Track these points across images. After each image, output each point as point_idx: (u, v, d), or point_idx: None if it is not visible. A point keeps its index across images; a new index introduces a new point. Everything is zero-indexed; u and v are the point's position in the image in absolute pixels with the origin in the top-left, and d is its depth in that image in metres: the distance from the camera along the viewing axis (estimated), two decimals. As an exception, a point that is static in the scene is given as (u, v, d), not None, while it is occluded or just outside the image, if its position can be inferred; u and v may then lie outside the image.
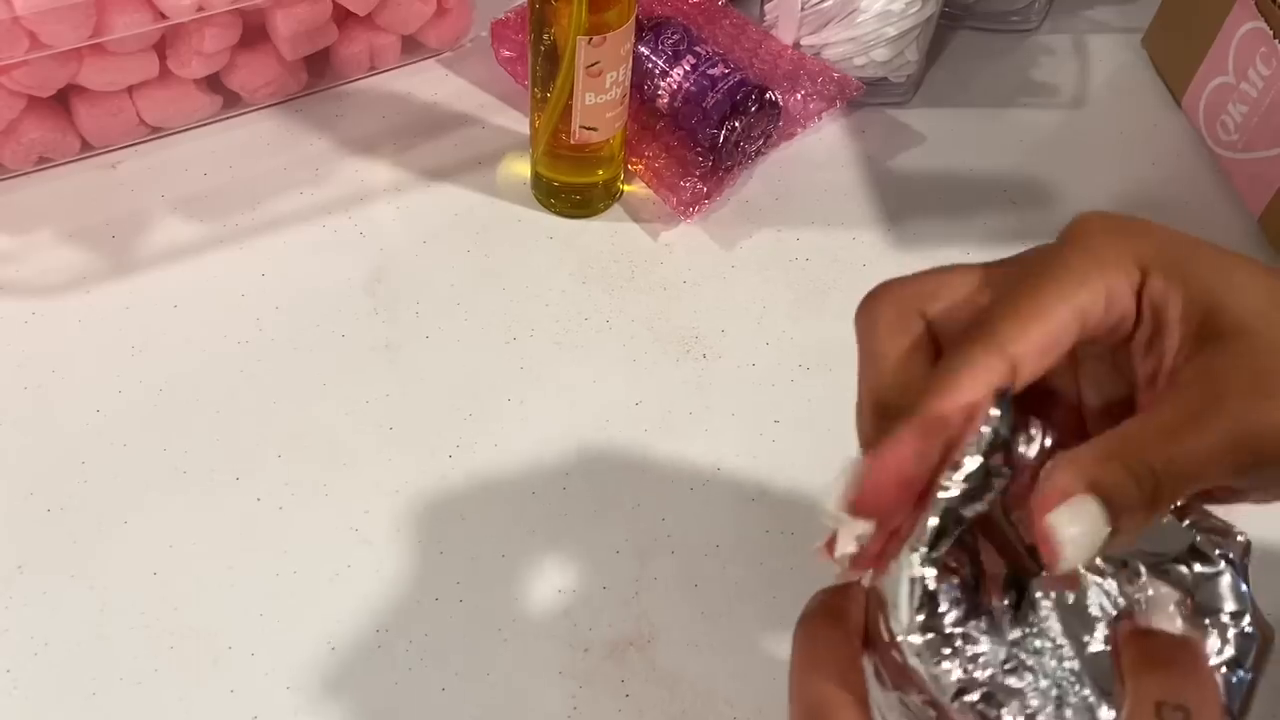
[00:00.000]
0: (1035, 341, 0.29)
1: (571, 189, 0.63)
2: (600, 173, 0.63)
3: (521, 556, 0.52)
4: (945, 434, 0.28)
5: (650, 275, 0.62)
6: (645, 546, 0.52)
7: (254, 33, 0.64)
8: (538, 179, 0.64)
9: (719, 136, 0.63)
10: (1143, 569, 0.30)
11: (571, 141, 0.60)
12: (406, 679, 0.48)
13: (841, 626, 0.30)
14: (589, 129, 0.60)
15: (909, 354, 0.31)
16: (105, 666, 0.48)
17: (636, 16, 0.58)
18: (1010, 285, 0.30)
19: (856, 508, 0.28)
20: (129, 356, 0.57)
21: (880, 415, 0.31)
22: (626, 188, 0.65)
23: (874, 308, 0.31)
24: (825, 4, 0.67)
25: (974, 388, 0.28)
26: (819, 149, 0.69)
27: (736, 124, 0.63)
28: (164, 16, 0.59)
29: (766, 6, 0.70)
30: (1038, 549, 0.28)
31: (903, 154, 0.69)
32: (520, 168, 0.66)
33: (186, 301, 0.60)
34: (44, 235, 0.62)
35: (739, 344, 0.59)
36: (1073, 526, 0.27)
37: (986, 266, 0.32)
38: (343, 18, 0.66)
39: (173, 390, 0.56)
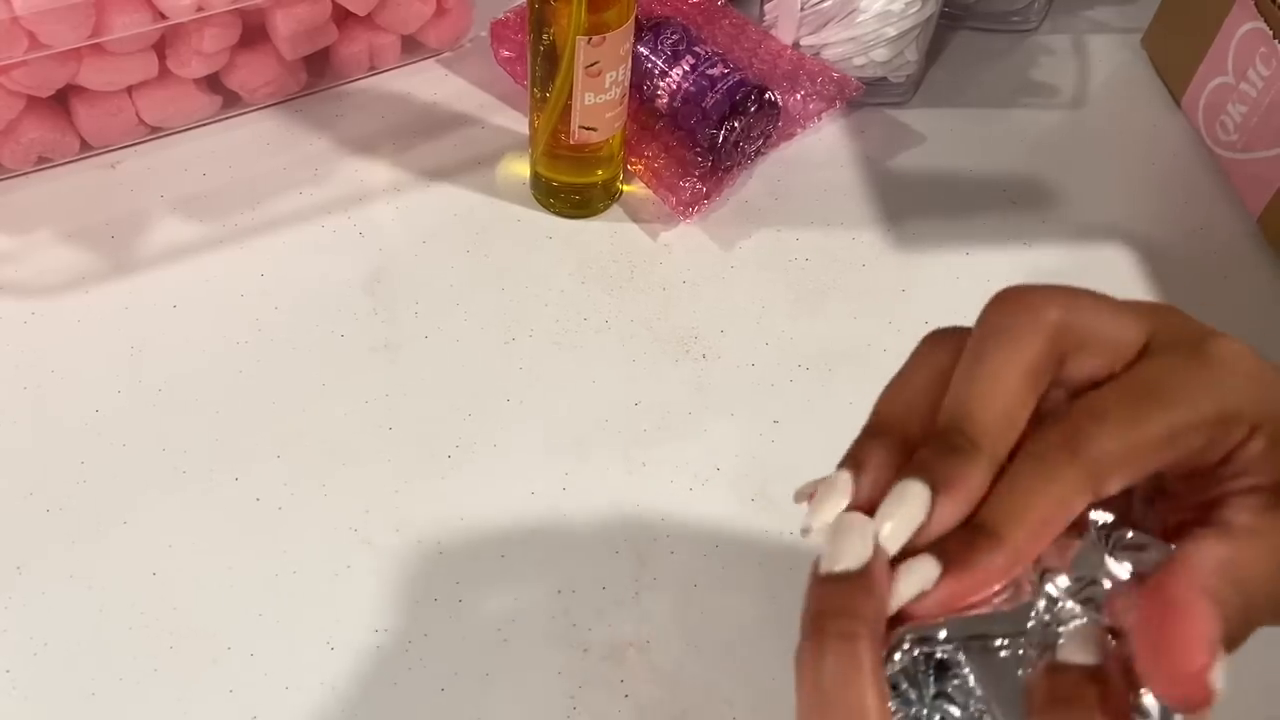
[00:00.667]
0: (1148, 459, 0.28)
1: (571, 189, 0.63)
2: (599, 173, 0.63)
3: (521, 556, 0.52)
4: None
5: (650, 275, 0.62)
6: (645, 546, 0.52)
7: (254, 32, 0.64)
8: (537, 179, 0.64)
9: (718, 136, 0.63)
10: (1067, 599, 0.29)
11: (571, 141, 0.60)
12: (406, 679, 0.48)
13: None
14: (588, 129, 0.60)
15: (1020, 397, 0.29)
16: (105, 666, 0.48)
17: (636, 16, 0.58)
18: (1153, 389, 0.28)
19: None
20: (129, 356, 0.57)
21: (967, 416, 0.29)
22: (626, 188, 0.65)
23: (1024, 323, 0.29)
24: (825, 4, 0.67)
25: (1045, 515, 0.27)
26: (818, 149, 0.69)
27: (736, 124, 0.63)
28: (163, 16, 0.59)
29: (766, 6, 0.70)
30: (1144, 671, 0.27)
31: (902, 154, 0.69)
32: (520, 168, 0.66)
33: (186, 301, 0.60)
34: (43, 235, 0.62)
35: (738, 344, 0.59)
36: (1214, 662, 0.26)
37: (1139, 323, 0.29)
38: (342, 18, 0.66)
39: (172, 390, 0.56)
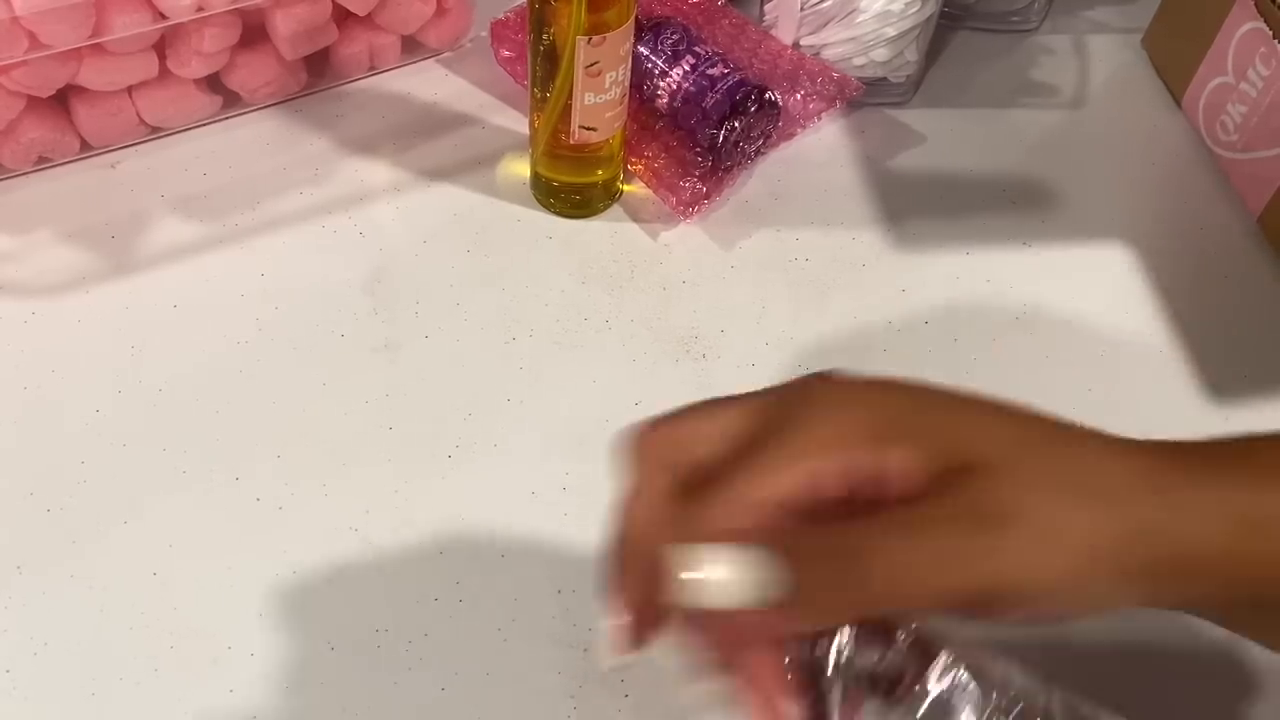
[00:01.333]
0: (767, 496, 0.32)
1: (571, 189, 0.63)
2: (600, 173, 0.63)
3: (521, 556, 0.52)
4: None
5: (650, 275, 0.62)
6: (645, 546, 0.52)
7: (254, 33, 0.64)
8: (537, 179, 0.64)
9: (718, 136, 0.63)
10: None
11: (571, 141, 0.60)
12: (406, 679, 0.48)
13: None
14: (588, 129, 0.60)
15: (659, 499, 0.34)
16: (105, 666, 0.48)
17: (636, 16, 0.58)
18: (753, 444, 0.33)
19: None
20: (129, 356, 0.57)
21: (629, 554, 0.35)
22: (626, 188, 0.65)
23: (636, 452, 0.36)
24: (825, 4, 0.67)
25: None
26: (819, 149, 0.69)
27: (736, 124, 0.63)
28: (164, 16, 0.59)
29: (766, 6, 0.70)
30: None
31: (902, 154, 0.69)
32: (520, 168, 0.66)
33: (186, 301, 0.60)
34: (44, 235, 0.62)
35: (738, 344, 0.59)
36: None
37: (741, 408, 0.35)
38: (343, 18, 0.66)
39: (172, 390, 0.56)
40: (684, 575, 0.30)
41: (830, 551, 0.31)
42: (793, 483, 0.32)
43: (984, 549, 0.30)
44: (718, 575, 0.30)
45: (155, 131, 0.66)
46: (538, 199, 0.65)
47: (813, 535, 0.31)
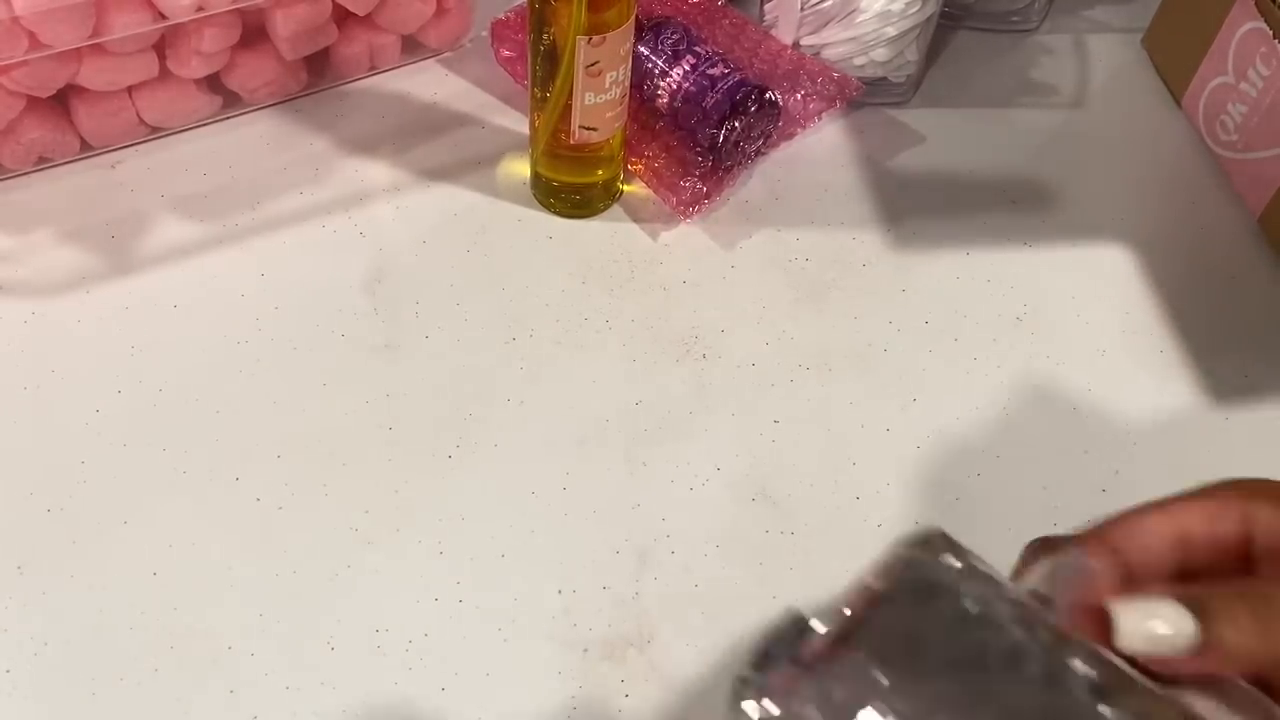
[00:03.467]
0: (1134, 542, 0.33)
1: (571, 189, 0.63)
2: (600, 173, 0.63)
3: (521, 556, 0.52)
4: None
5: (650, 275, 0.62)
6: (645, 546, 0.52)
7: (253, 33, 0.64)
8: (537, 179, 0.64)
9: (719, 136, 0.63)
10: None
11: (571, 141, 0.60)
12: (406, 679, 0.48)
13: None
14: (589, 129, 0.60)
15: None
16: (105, 666, 0.48)
17: (636, 16, 0.58)
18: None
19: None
20: (129, 356, 0.57)
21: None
22: (626, 188, 0.65)
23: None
24: (825, 4, 0.67)
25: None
26: (819, 149, 0.69)
27: (736, 124, 0.63)
28: (164, 16, 0.59)
29: (766, 6, 0.70)
30: None
31: (903, 154, 0.69)
32: (520, 168, 0.66)
33: (186, 301, 0.60)
34: (44, 235, 0.62)
35: (739, 344, 0.59)
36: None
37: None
38: (343, 18, 0.66)
39: (172, 390, 0.56)
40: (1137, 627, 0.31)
41: (1244, 600, 0.31)
42: (1158, 535, 0.33)
43: None
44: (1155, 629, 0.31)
45: (155, 131, 0.66)
46: (538, 199, 0.65)
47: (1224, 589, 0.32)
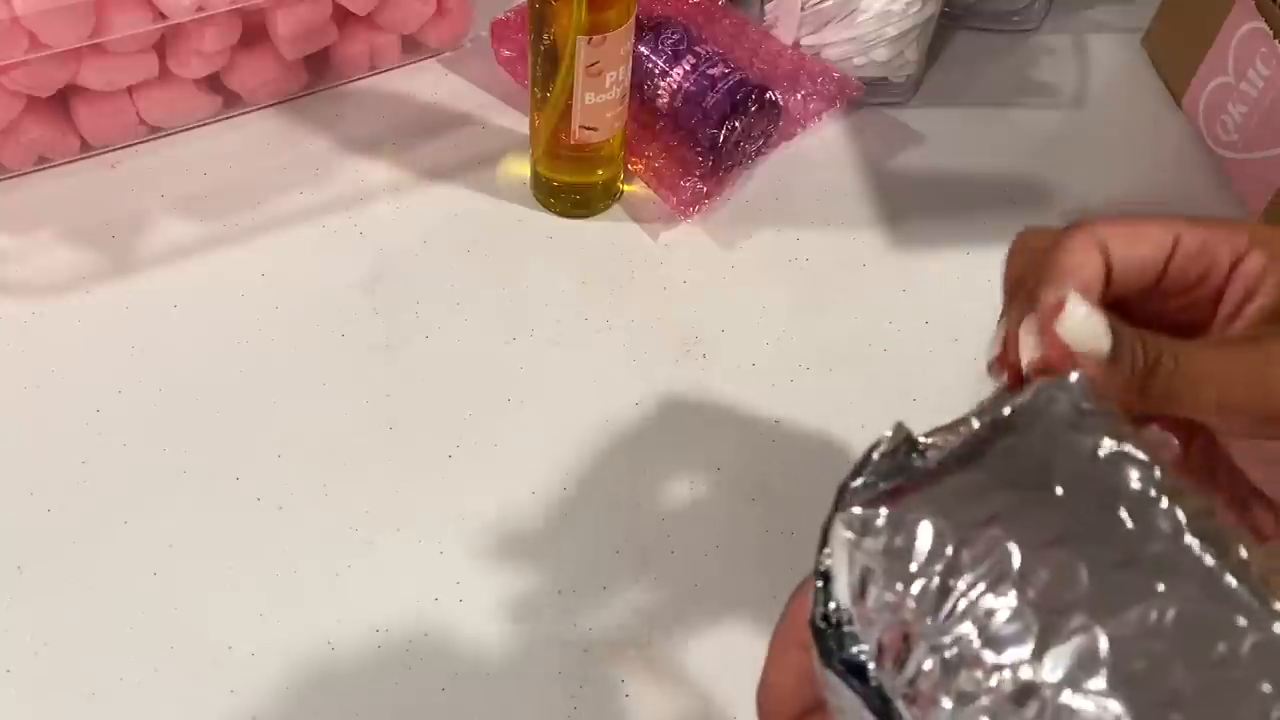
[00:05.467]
0: (1123, 234, 0.36)
1: (571, 189, 0.63)
2: (600, 173, 0.63)
3: (521, 556, 0.52)
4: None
5: (650, 275, 0.62)
6: (645, 546, 0.52)
7: (254, 33, 0.64)
8: (537, 179, 0.64)
9: (719, 136, 0.63)
10: None
11: (571, 141, 0.60)
12: (406, 679, 0.48)
13: None
14: (589, 129, 0.60)
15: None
16: (105, 666, 0.48)
17: (636, 16, 0.58)
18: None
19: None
20: (129, 356, 0.57)
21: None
22: (626, 188, 0.65)
23: (1073, 235, 0.37)
24: (825, 4, 0.67)
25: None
26: (819, 149, 0.69)
27: (736, 124, 0.63)
28: (164, 16, 0.59)
29: (766, 6, 0.70)
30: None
31: (902, 154, 0.69)
32: (520, 168, 0.66)
33: (186, 301, 0.60)
34: (44, 235, 0.62)
35: (739, 344, 0.59)
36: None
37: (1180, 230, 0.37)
38: (343, 18, 0.66)
39: (173, 390, 0.56)
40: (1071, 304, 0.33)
41: (1151, 341, 0.32)
42: (1153, 239, 0.36)
43: None
44: (1079, 314, 0.33)
45: (155, 131, 0.66)
46: (538, 199, 0.65)
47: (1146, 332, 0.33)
